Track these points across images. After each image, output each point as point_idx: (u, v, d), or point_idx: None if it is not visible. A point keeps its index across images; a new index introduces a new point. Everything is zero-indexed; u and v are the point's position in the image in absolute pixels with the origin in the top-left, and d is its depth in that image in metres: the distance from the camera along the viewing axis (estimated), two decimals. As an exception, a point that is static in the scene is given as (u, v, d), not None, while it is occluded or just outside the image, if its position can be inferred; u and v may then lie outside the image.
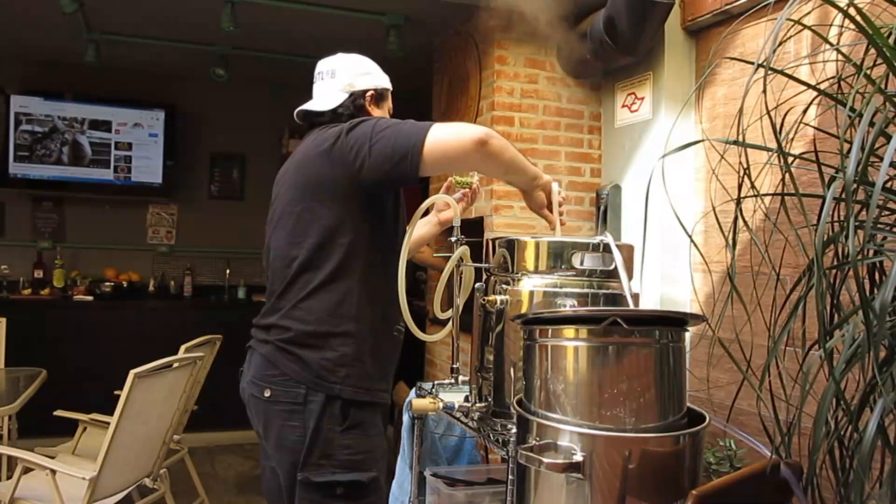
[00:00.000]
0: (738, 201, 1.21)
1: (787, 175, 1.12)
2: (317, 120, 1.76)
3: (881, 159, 0.93)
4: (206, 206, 5.30)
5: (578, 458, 1.13)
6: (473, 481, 2.11)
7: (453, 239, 1.73)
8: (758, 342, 1.37)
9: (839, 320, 1.17)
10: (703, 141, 1.58)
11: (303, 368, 1.58)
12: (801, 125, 1.23)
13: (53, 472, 2.28)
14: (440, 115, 3.72)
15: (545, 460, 1.15)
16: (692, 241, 1.46)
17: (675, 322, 1.26)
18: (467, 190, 1.95)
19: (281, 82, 4.69)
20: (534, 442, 1.20)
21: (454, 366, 1.85)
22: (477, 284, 1.65)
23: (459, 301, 1.75)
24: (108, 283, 4.77)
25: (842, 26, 1.25)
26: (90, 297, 4.58)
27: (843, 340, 1.04)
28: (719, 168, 1.37)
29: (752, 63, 1.13)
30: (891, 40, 1.09)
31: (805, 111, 1.25)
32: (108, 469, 2.34)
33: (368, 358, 1.62)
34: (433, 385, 1.93)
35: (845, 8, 1.08)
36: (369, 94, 1.78)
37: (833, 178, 1.11)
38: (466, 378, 1.84)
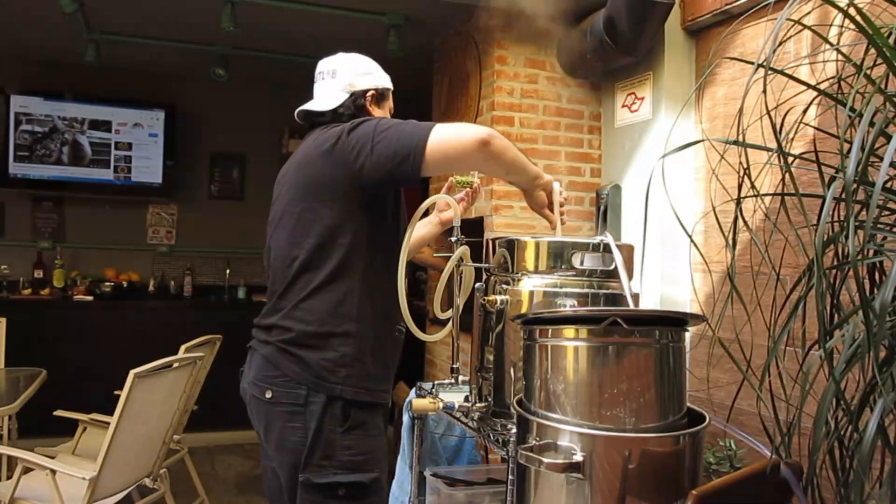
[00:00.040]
0: (738, 201, 1.21)
1: (787, 175, 1.12)
2: (317, 120, 1.76)
3: (881, 159, 0.93)
4: (206, 206, 5.30)
5: (578, 458, 1.13)
6: (473, 481, 2.11)
7: (453, 239, 1.73)
8: (758, 342, 1.37)
9: (839, 320, 1.17)
10: (703, 141, 1.58)
11: (303, 369, 1.58)
12: (801, 125, 1.23)
13: (53, 472, 2.28)
14: (440, 115, 3.73)
15: (545, 460, 1.15)
16: (692, 241, 1.46)
17: (675, 322, 1.26)
18: (468, 189, 1.95)
19: (281, 82, 4.69)
20: (534, 442, 1.20)
21: (454, 366, 1.85)
22: (477, 284, 1.65)
23: (459, 301, 1.75)
24: (108, 283, 4.77)
25: (842, 26, 1.25)
26: (90, 297, 4.58)
27: (843, 340, 1.04)
28: (719, 168, 1.37)
29: (752, 63, 1.13)
30: (891, 40, 1.09)
31: (805, 111, 1.25)
32: (108, 469, 2.34)
33: (369, 358, 1.62)
34: (433, 385, 1.93)
35: (845, 8, 1.08)
36: (370, 93, 1.78)
37: (833, 178, 1.11)
38: (466, 378, 1.84)
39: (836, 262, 1.18)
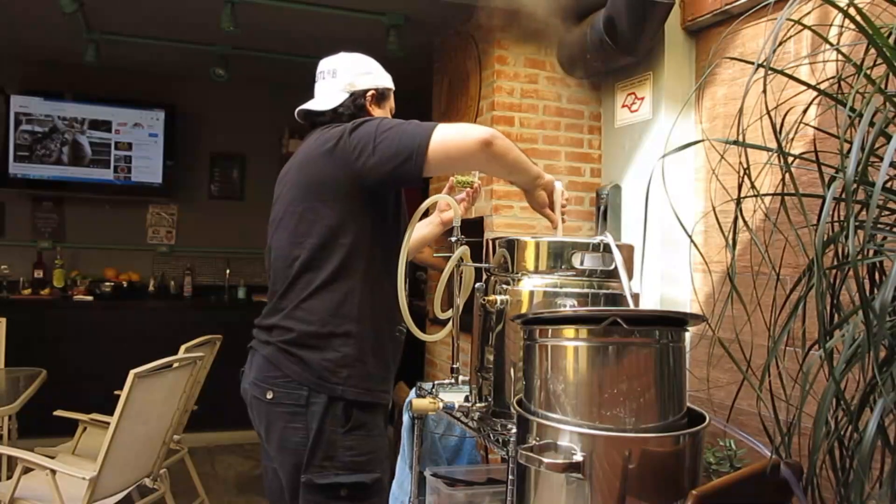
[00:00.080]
0: (738, 201, 1.21)
1: (787, 175, 1.12)
2: (318, 119, 1.76)
3: (881, 159, 0.93)
4: (206, 206, 5.30)
5: (578, 458, 1.13)
6: (473, 481, 2.11)
7: (453, 239, 1.73)
8: (758, 342, 1.37)
9: (839, 320, 1.17)
10: (703, 141, 1.58)
11: (304, 370, 1.58)
12: (801, 125, 1.23)
13: (53, 472, 2.28)
14: (440, 115, 3.72)
15: (545, 460, 1.15)
16: (692, 241, 1.45)
17: (675, 322, 1.26)
18: (469, 189, 1.95)
19: (281, 82, 4.69)
20: (534, 442, 1.20)
21: (454, 366, 1.85)
22: (477, 284, 1.65)
23: (459, 301, 1.75)
24: (108, 283, 4.77)
25: (842, 26, 1.25)
26: (90, 297, 4.58)
27: (843, 340, 1.04)
28: (719, 168, 1.37)
29: (752, 63, 1.13)
30: (891, 40, 1.09)
31: (805, 111, 1.25)
32: (108, 469, 2.34)
33: (371, 358, 1.62)
34: (433, 385, 1.93)
35: (845, 8, 1.08)
36: (370, 93, 1.78)
37: (833, 178, 1.11)
38: (466, 378, 1.84)
39: (836, 262, 1.18)
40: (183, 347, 2.88)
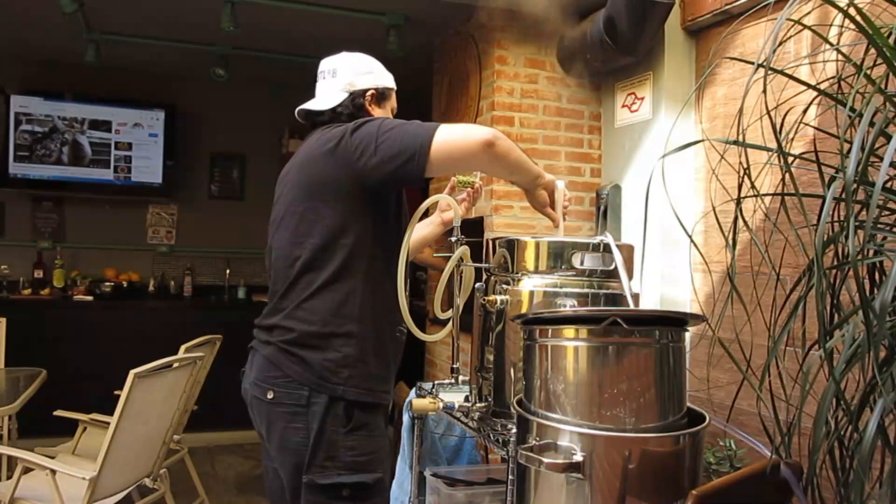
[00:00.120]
0: (738, 201, 1.21)
1: (787, 175, 1.12)
2: (318, 119, 1.76)
3: (881, 159, 0.93)
4: (206, 206, 5.30)
5: (578, 458, 1.13)
6: (473, 481, 2.11)
7: (453, 239, 1.73)
8: (758, 342, 1.37)
9: (839, 320, 1.17)
10: (703, 141, 1.59)
11: (305, 370, 1.58)
12: (801, 125, 1.23)
13: (53, 472, 2.28)
14: (440, 115, 3.72)
15: (545, 460, 1.15)
16: (692, 241, 1.46)
17: (675, 322, 1.26)
18: (470, 190, 1.95)
19: (281, 82, 4.69)
20: (534, 442, 1.20)
21: (454, 366, 1.85)
22: (477, 284, 1.65)
23: (459, 301, 1.75)
24: (108, 283, 4.77)
25: (842, 26, 1.25)
26: (90, 297, 4.57)
27: (843, 340, 1.04)
28: (719, 168, 1.37)
29: (752, 63, 1.13)
30: (891, 40, 1.09)
31: (805, 111, 1.25)
32: (108, 469, 2.34)
33: (372, 358, 1.62)
34: (433, 385, 1.93)
35: (845, 8, 1.08)
36: (370, 93, 1.77)
37: (833, 178, 1.11)
38: (466, 378, 1.84)
39: (836, 262, 1.18)
40: (183, 347, 2.88)
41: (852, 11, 1.05)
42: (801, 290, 1.16)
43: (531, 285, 1.50)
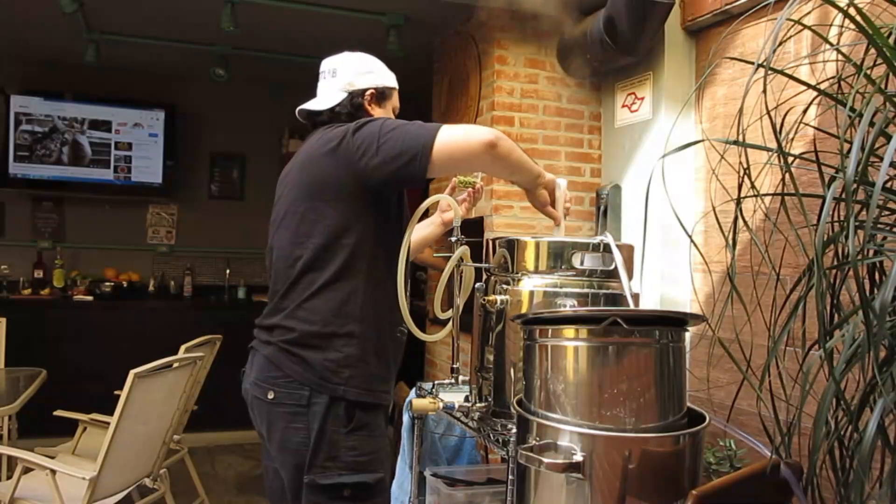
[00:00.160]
0: (738, 201, 1.21)
1: (787, 175, 1.12)
2: (318, 119, 1.76)
3: (881, 159, 0.93)
4: (206, 206, 5.30)
5: (578, 458, 1.13)
6: (473, 481, 2.11)
7: (453, 239, 1.73)
8: (758, 342, 1.37)
9: (839, 320, 1.17)
10: (703, 141, 1.59)
11: (306, 370, 1.57)
12: (801, 125, 1.23)
13: (53, 472, 2.28)
14: (440, 115, 3.72)
15: (545, 460, 1.15)
16: (692, 241, 1.46)
17: (675, 322, 1.26)
18: (470, 190, 1.95)
19: (281, 82, 4.70)
20: (534, 442, 1.20)
21: (454, 366, 1.85)
22: (477, 284, 1.65)
23: (459, 301, 1.75)
24: (108, 283, 4.77)
25: (842, 26, 1.25)
26: (90, 297, 4.58)
27: (843, 340, 1.04)
28: (719, 168, 1.37)
29: (752, 63, 1.13)
30: (891, 40, 1.09)
31: (805, 111, 1.25)
32: (108, 469, 2.34)
33: (373, 359, 1.62)
34: (433, 385, 1.93)
35: (845, 8, 1.08)
36: (369, 92, 1.77)
37: (833, 178, 1.11)
38: (466, 378, 1.84)
39: (836, 262, 1.18)
40: (183, 347, 2.88)
41: (852, 11, 1.05)
42: (801, 290, 1.16)
43: (531, 285, 1.50)
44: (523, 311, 1.48)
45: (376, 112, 1.77)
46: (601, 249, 1.48)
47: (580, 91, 3.23)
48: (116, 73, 4.78)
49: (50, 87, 4.74)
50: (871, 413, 0.96)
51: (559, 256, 1.50)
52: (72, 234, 4.95)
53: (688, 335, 1.33)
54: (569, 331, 1.22)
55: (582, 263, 1.48)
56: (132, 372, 2.35)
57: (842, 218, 1.10)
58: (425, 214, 1.75)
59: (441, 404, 1.66)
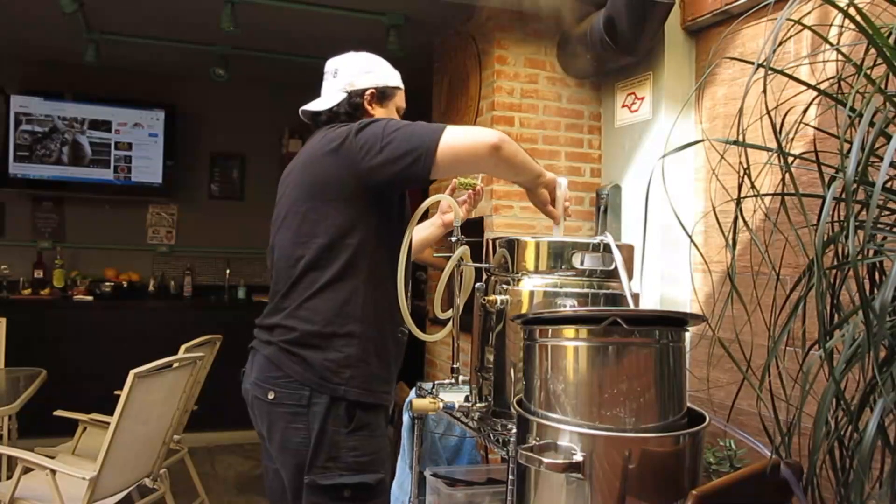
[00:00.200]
0: (738, 201, 1.21)
1: (787, 175, 1.12)
2: (318, 119, 1.76)
3: (881, 159, 0.93)
4: (206, 206, 5.30)
5: (578, 458, 1.13)
6: (473, 481, 2.11)
7: (453, 239, 1.73)
8: (758, 342, 1.37)
9: (839, 320, 1.17)
10: (703, 141, 1.59)
11: (306, 370, 1.57)
12: (801, 125, 1.23)
13: (53, 472, 2.28)
14: (440, 115, 3.72)
15: (545, 460, 1.15)
16: (692, 241, 1.46)
17: (675, 322, 1.26)
18: (471, 191, 1.95)
19: (281, 82, 4.70)
20: (534, 442, 1.20)
21: (454, 366, 1.85)
22: (477, 284, 1.65)
23: (459, 301, 1.75)
24: (108, 283, 4.77)
25: (842, 26, 1.25)
26: (90, 297, 4.58)
27: (843, 340, 1.04)
28: (719, 168, 1.37)
29: (752, 63, 1.13)
30: (891, 40, 1.09)
31: (805, 111, 1.25)
32: (108, 469, 2.34)
33: (374, 359, 1.62)
34: (433, 385, 1.93)
35: (845, 8, 1.08)
36: (368, 92, 1.76)
37: (833, 178, 1.11)
38: (466, 378, 1.84)
39: (836, 262, 1.18)
40: (183, 347, 2.88)
41: (852, 11, 1.05)
42: (801, 290, 1.16)
43: (531, 285, 1.50)
44: (523, 311, 1.48)
45: (377, 112, 1.76)
46: (601, 249, 1.48)
47: (580, 91, 3.23)
48: (116, 73, 4.78)
49: (50, 87, 4.74)
50: (871, 413, 0.96)
51: (559, 256, 1.50)
52: (72, 234, 4.95)
53: (688, 335, 1.33)
54: (569, 331, 1.22)
55: (582, 263, 1.48)
56: (132, 372, 2.35)
57: (842, 218, 1.10)
58: (425, 215, 1.75)
59: (441, 404, 1.66)
